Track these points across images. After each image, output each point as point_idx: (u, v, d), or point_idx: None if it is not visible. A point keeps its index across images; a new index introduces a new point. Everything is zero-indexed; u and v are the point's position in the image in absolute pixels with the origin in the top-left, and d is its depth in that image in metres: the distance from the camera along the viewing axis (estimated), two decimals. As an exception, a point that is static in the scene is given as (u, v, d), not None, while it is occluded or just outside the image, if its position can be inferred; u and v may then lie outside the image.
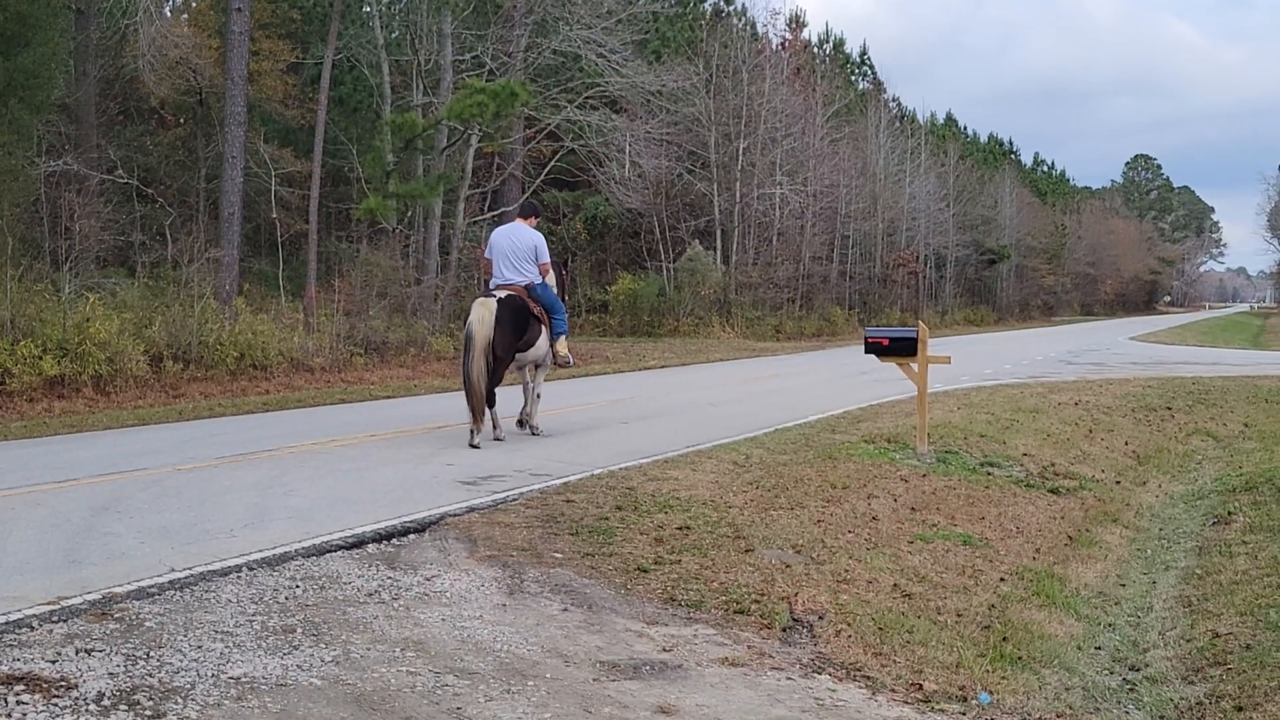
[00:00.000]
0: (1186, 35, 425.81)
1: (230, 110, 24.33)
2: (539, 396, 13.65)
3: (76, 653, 5.22)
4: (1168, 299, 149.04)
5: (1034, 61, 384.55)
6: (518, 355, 12.79)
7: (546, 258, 13.08)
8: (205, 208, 30.47)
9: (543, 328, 13.06)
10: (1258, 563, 9.50)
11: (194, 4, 37.37)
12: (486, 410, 12.44)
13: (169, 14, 34.70)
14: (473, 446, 12.05)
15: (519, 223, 13.14)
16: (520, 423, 13.57)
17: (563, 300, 13.92)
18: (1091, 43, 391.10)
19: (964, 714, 5.75)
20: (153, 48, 26.03)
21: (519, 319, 12.57)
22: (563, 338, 13.39)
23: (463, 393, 12.45)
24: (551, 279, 13.32)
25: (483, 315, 12.22)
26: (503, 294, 12.54)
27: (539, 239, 13.00)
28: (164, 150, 32.76)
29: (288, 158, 30.22)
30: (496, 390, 12.61)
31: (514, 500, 9.13)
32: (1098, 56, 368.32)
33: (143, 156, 30.63)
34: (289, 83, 34.04)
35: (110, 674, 5.00)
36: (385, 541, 7.72)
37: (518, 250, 12.85)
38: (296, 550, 7.31)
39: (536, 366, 13.47)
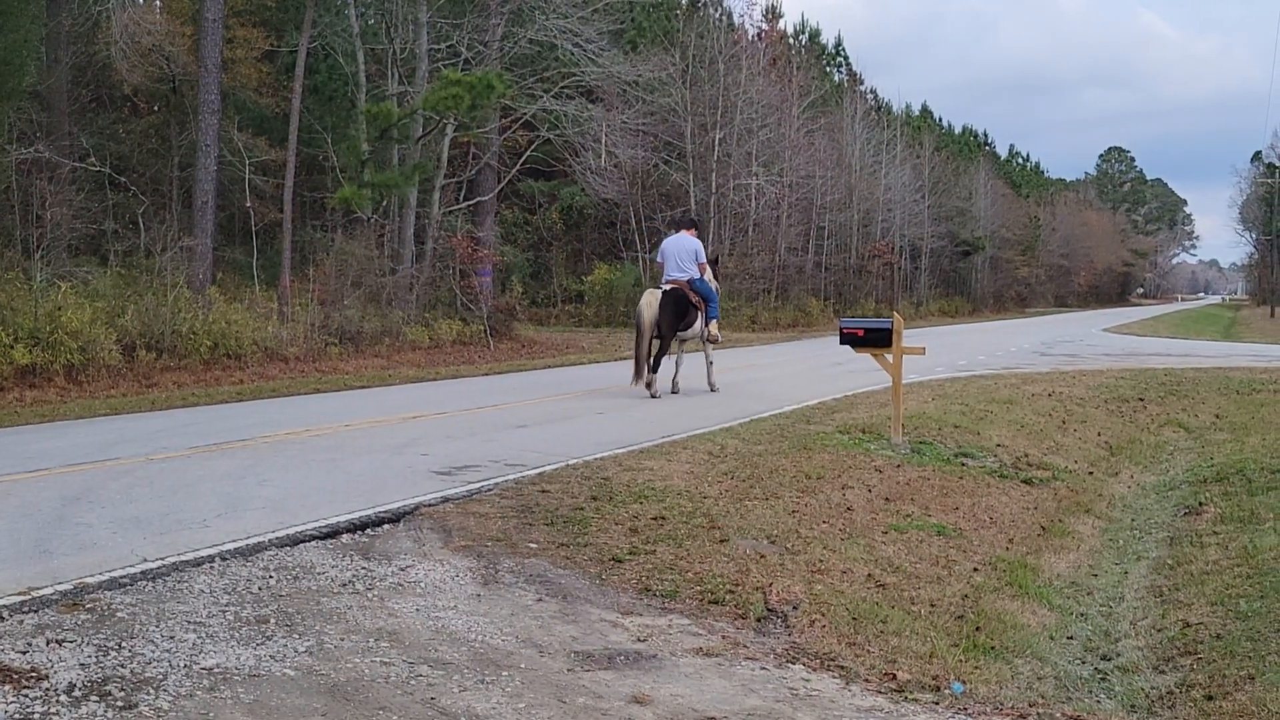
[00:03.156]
0: (1156, 26, 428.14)
1: (204, 98, 24.18)
2: (711, 363, 17.76)
3: (47, 643, 5.19)
4: (1141, 291, 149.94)
5: (1006, 52, 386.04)
6: (679, 333, 16.83)
7: (704, 259, 17.04)
8: (179, 196, 30.30)
9: (699, 313, 16.86)
10: (1228, 553, 9.57)
11: (167, -9, 37.10)
12: (646, 372, 16.36)
13: (141, 1, 34.48)
14: (653, 396, 16.29)
15: (683, 233, 17.14)
16: (674, 389, 17.14)
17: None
18: (1062, 34, 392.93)
19: (937, 704, 5.77)
20: (125, 34, 25.85)
21: (679, 306, 16.55)
22: (715, 321, 17.24)
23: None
24: (709, 275, 17.19)
25: (650, 301, 16.48)
26: (669, 287, 16.57)
27: (698, 244, 17.08)
28: (137, 138, 32.49)
29: (262, 146, 30.01)
30: (662, 360, 16.65)
31: (489, 490, 9.12)
32: (1069, 47, 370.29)
33: (115, 144, 30.38)
34: (263, 70, 33.84)
35: (81, 665, 4.98)
36: (360, 531, 7.70)
37: (682, 253, 16.76)
38: (270, 540, 7.29)
39: (704, 340, 17.26)
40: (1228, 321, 68.66)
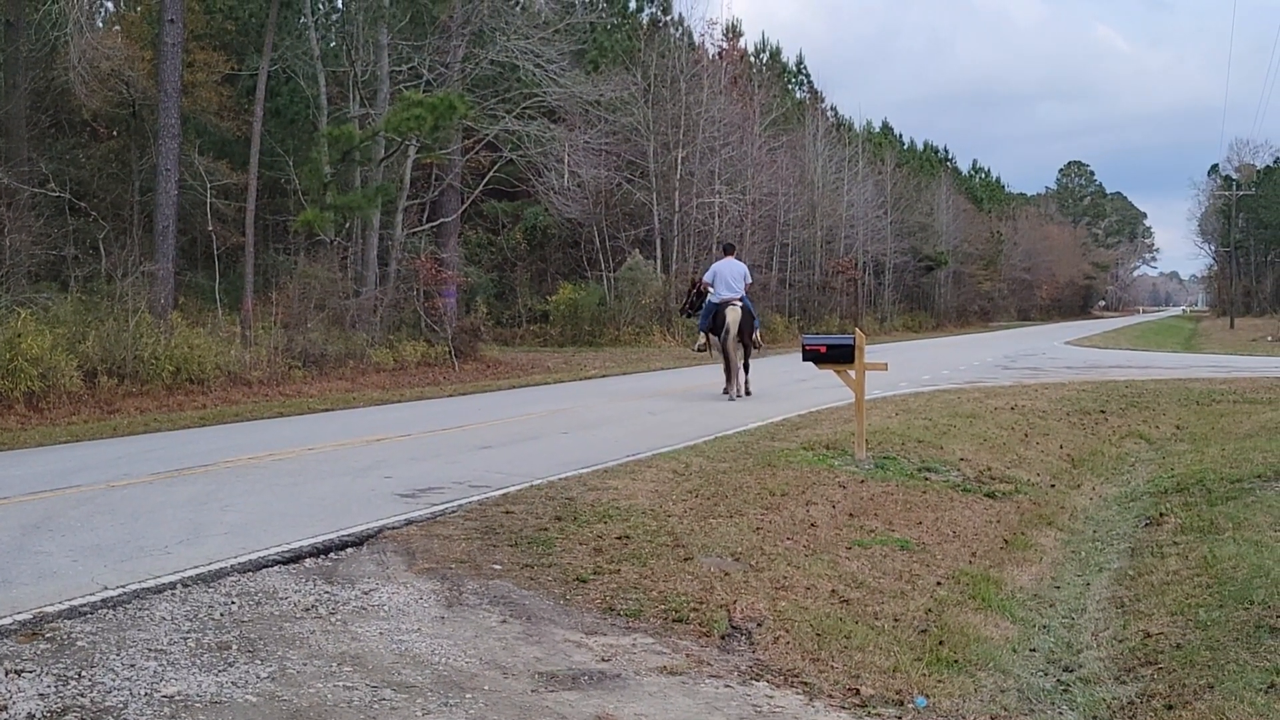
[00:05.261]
0: (1110, 40, 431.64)
1: (164, 122, 24.07)
2: (747, 369, 20.27)
3: (6, 674, 5.15)
4: (1102, 304, 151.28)
5: (962, 68, 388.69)
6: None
7: (750, 280, 20.20)
8: (139, 221, 30.11)
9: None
10: (1188, 563, 9.64)
11: (126, 15, 36.95)
12: (739, 374, 19.57)
13: (101, 26, 34.29)
14: (731, 399, 19.31)
15: (729, 258, 20.17)
16: (748, 391, 19.99)
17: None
18: (1017, 48, 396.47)
19: (900, 718, 5.80)
20: (84, 60, 25.71)
21: (748, 317, 19.63)
22: (758, 331, 20.45)
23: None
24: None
25: (735, 314, 19.26)
26: (736, 300, 19.46)
27: (745, 268, 20.14)
28: (97, 163, 32.30)
29: (224, 169, 29.91)
30: (749, 363, 20.11)
31: (452, 512, 9.10)
32: (1024, 62, 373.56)
33: (75, 170, 30.20)
34: (224, 94, 33.74)
35: (40, 695, 4.94)
36: (322, 556, 7.67)
37: (733, 275, 19.71)
38: (232, 566, 7.25)
39: (748, 348, 20.01)
40: (1188, 333, 69.25)
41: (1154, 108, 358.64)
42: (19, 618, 6.03)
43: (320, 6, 37.04)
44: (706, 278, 20.34)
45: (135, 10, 36.47)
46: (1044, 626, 8.59)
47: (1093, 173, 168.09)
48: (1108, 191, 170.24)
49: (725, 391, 19.70)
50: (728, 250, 20.70)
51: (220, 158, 31.10)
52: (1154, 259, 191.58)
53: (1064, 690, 7.23)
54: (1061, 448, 16.46)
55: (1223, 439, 16.42)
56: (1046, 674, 7.55)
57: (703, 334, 20.37)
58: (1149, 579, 9.47)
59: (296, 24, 32.47)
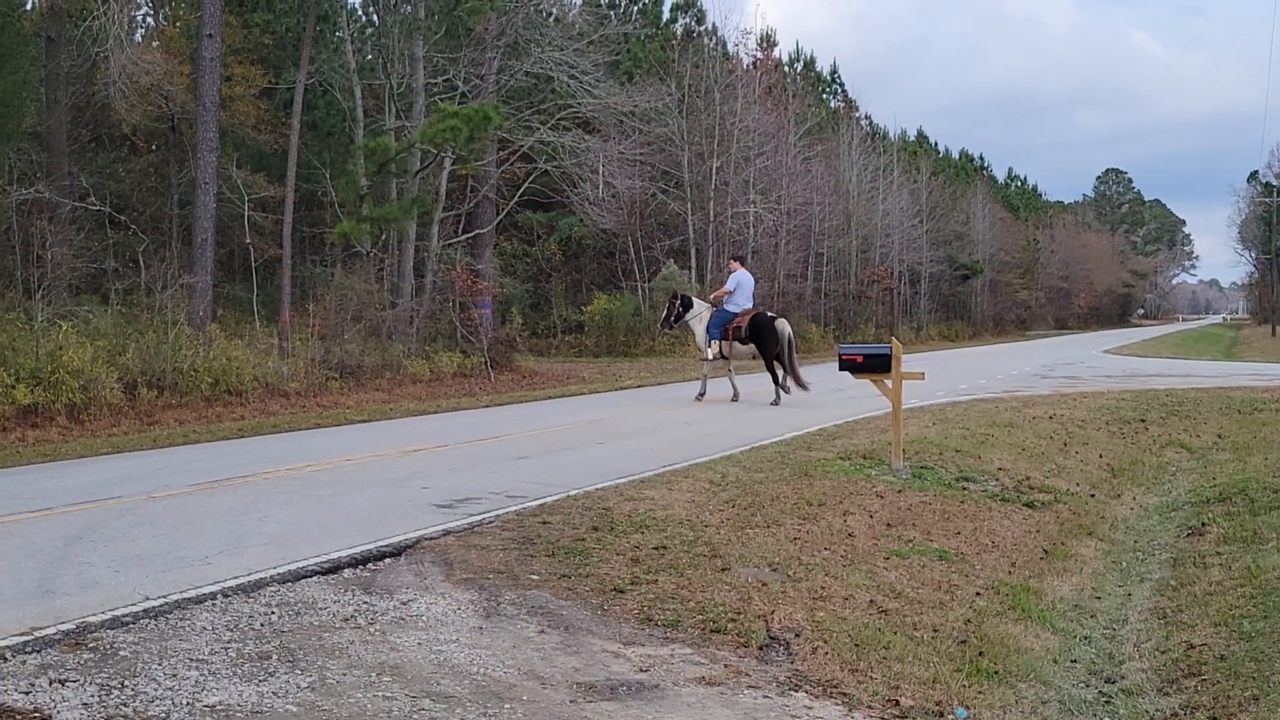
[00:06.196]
0: (1146, 45, 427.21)
1: (202, 136, 24.26)
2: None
3: (50, 683, 5.20)
4: (1141, 312, 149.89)
5: (995, 74, 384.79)
6: (738, 351, 20.83)
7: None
8: (178, 234, 30.35)
9: None
10: (1231, 573, 9.56)
11: (165, 30, 37.28)
12: (800, 380, 20.27)
13: (140, 41, 34.65)
14: (778, 402, 20.18)
15: (744, 269, 21.33)
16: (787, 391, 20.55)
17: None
18: (1051, 55, 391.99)
19: (940, 729, 5.77)
20: (124, 75, 25.95)
21: None
22: None
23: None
24: None
25: (785, 325, 20.59)
26: (767, 312, 21.34)
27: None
28: (136, 177, 32.57)
29: (261, 183, 30.09)
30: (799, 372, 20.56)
31: (490, 523, 9.12)
32: (1058, 69, 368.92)
33: (115, 183, 30.47)
34: (261, 107, 33.96)
35: (84, 704, 4.98)
36: (361, 566, 7.70)
37: (751, 286, 21.02)
38: (272, 576, 7.29)
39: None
40: (1229, 341, 68.63)
41: (1192, 114, 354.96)
42: (63, 627, 6.09)
43: (356, 20, 37.31)
44: (730, 286, 20.95)
45: (174, 25, 36.77)
46: (1085, 637, 8.53)
47: (1130, 180, 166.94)
48: (1146, 199, 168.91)
49: (777, 399, 20.34)
50: (741, 260, 21.84)
51: (258, 170, 31.30)
52: (1193, 267, 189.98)
53: (1106, 702, 7.18)
54: (1101, 457, 16.34)
55: (1265, 448, 16.25)
56: (1088, 685, 7.49)
57: (716, 342, 20.87)
58: (1191, 589, 9.39)
59: (333, 38, 32.69)
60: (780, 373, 20.58)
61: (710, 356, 21.25)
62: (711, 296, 21.47)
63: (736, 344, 20.78)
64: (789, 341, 20.45)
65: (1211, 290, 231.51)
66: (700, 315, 21.32)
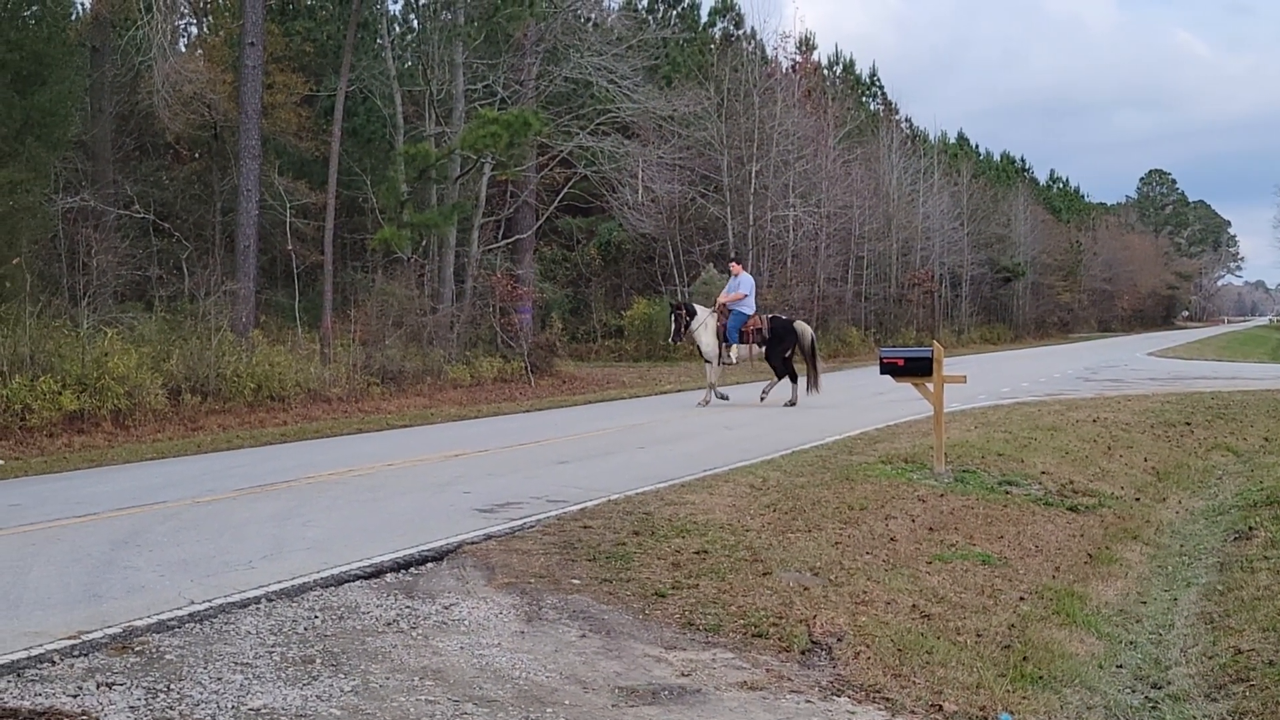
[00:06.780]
0: (1189, 45, 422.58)
1: (244, 144, 24.49)
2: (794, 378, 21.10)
3: (98, 686, 5.25)
4: (1186, 314, 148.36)
5: (1036, 75, 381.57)
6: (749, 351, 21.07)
7: None
8: (221, 241, 30.64)
9: None
10: (1279, 578, 9.44)
11: (208, 39, 37.65)
12: (818, 379, 20.75)
13: (183, 49, 35.02)
14: (796, 403, 20.45)
15: (746, 272, 21.48)
16: (762, 398, 20.97)
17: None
18: (1092, 56, 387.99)
19: (985, 734, 5.73)
20: (167, 83, 26.22)
21: None
22: None
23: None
24: None
25: (807, 328, 21.04)
26: (781, 315, 22.04)
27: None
28: (179, 184, 32.94)
29: (302, 189, 30.33)
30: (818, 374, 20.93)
31: (531, 527, 9.14)
32: (1099, 69, 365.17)
33: (158, 191, 30.85)
34: (303, 115, 34.23)
35: (131, 707, 5.03)
36: (403, 570, 7.73)
37: (754, 289, 21.10)
38: (315, 581, 7.33)
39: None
40: (1276, 343, 67.87)
41: (1236, 114, 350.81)
42: (109, 631, 6.14)
43: (396, 27, 37.56)
44: (745, 290, 20.94)
45: (216, 34, 37.14)
46: (1131, 642, 8.45)
47: (1174, 181, 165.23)
48: (1190, 200, 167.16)
49: (794, 400, 20.64)
50: (741, 261, 22.52)
51: (299, 178, 31.57)
52: (1239, 268, 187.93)
53: (1152, 707, 7.10)
54: (1145, 460, 16.18)
55: (1313, 451, 16.05)
56: (1134, 691, 7.42)
57: (735, 346, 20.82)
58: (1239, 594, 9.28)
59: (373, 45, 32.88)
60: (806, 374, 20.82)
61: (734, 360, 21.20)
62: (722, 300, 21.08)
63: (755, 346, 20.91)
64: (812, 343, 20.94)
65: (1257, 292, 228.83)
66: (705, 323, 21.05)
